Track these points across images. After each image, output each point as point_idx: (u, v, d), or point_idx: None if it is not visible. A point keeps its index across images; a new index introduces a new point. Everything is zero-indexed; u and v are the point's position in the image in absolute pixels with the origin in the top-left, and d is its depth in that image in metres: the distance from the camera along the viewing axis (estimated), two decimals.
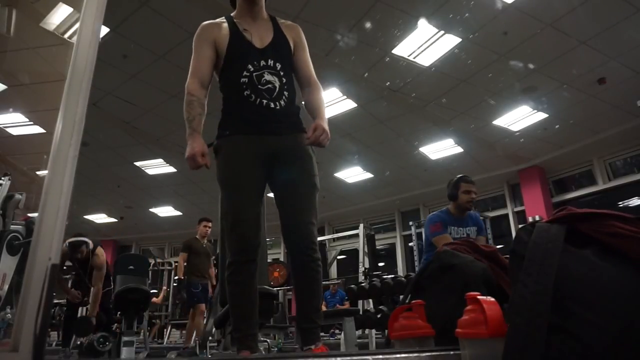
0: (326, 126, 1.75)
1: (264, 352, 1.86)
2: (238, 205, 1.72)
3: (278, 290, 9.77)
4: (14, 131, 6.48)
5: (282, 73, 1.81)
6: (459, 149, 7.93)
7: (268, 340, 4.49)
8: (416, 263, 8.09)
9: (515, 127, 7.12)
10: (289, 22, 1.96)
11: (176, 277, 8.23)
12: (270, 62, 1.80)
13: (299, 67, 1.91)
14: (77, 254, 4.22)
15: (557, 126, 7.04)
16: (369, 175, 9.02)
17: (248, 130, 1.75)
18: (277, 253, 11.61)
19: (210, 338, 4.23)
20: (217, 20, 1.89)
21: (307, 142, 1.73)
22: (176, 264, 11.35)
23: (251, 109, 1.75)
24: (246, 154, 1.73)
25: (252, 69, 1.77)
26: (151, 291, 5.55)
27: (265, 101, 1.75)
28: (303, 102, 1.91)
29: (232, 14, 1.92)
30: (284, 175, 1.77)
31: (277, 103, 1.77)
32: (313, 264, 1.75)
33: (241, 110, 1.77)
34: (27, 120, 6.25)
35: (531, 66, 5.74)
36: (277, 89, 1.78)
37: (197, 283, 5.25)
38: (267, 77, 1.77)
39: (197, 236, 5.64)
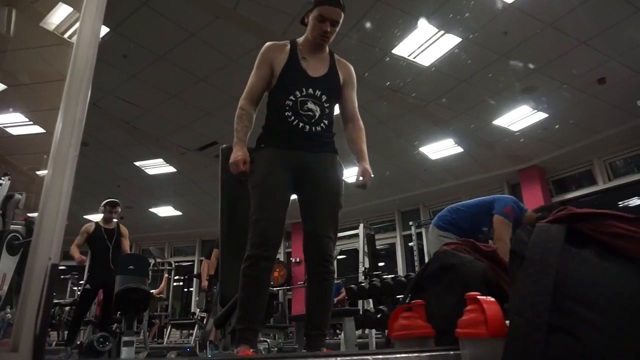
0: (369, 167, 1.98)
1: (263, 352, 1.86)
2: (264, 204, 1.82)
3: (278, 290, 9.77)
4: (14, 131, 6.48)
5: (325, 105, 1.95)
6: (459, 149, 7.93)
7: (268, 340, 4.49)
8: (416, 263, 8.09)
9: (515, 127, 7.12)
10: (344, 60, 2.11)
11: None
12: (317, 93, 1.93)
13: (345, 104, 2.09)
14: (113, 213, 4.72)
15: (557, 126, 7.04)
16: None
17: (282, 145, 1.89)
18: (277, 253, 11.59)
19: (210, 338, 4.23)
20: (282, 42, 2.02)
21: (357, 185, 1.94)
22: (176, 263, 11.39)
23: (288, 128, 1.88)
24: (277, 162, 1.86)
25: (298, 95, 1.90)
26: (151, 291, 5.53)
27: (302, 124, 1.88)
28: (346, 139, 2.10)
29: (298, 39, 2.04)
30: (312, 188, 1.90)
31: (314, 128, 1.91)
32: (327, 275, 1.87)
33: (279, 128, 1.91)
34: (27, 120, 6.25)
35: (531, 66, 5.73)
36: (317, 117, 1.92)
37: None
38: (310, 105, 1.91)
39: None
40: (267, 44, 2.01)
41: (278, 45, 2.00)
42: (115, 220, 4.83)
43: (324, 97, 1.94)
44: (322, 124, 1.93)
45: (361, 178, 1.96)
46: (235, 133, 1.89)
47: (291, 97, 1.89)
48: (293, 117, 1.87)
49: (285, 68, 1.93)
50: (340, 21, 1.97)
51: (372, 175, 1.96)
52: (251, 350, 1.68)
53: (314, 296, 1.88)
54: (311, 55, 1.99)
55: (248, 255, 1.78)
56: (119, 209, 4.86)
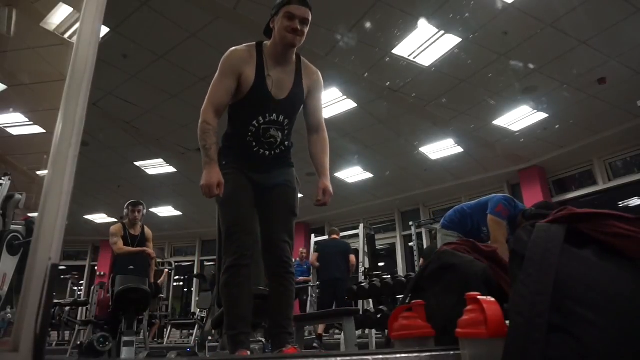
0: (329, 184, 1.96)
1: (259, 352, 1.89)
2: (237, 217, 1.89)
3: None
4: (14, 131, 6.49)
5: (286, 127, 1.96)
6: (459, 149, 7.93)
7: (263, 340, 4.49)
8: (416, 263, 8.09)
9: (515, 127, 7.12)
10: (313, 67, 2.04)
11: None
12: (281, 118, 1.92)
13: (310, 113, 2.04)
14: (137, 212, 4.64)
15: (557, 126, 7.04)
16: (369, 175, 9.02)
17: (242, 166, 1.93)
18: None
19: (209, 338, 4.23)
20: (248, 47, 1.93)
21: (317, 204, 1.94)
22: (176, 263, 11.38)
23: (249, 153, 1.92)
24: (241, 177, 1.92)
25: (262, 121, 1.90)
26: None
27: (262, 150, 1.93)
28: (309, 150, 2.06)
29: (265, 42, 1.96)
30: (268, 200, 1.96)
31: (273, 152, 1.95)
32: (287, 276, 1.91)
33: (240, 151, 1.94)
34: (27, 120, 6.25)
35: (531, 66, 5.73)
36: (278, 142, 1.94)
37: None
38: (272, 132, 1.91)
39: None
40: (232, 50, 1.91)
41: (244, 53, 1.90)
42: (140, 222, 4.73)
43: (286, 121, 1.94)
44: (282, 147, 1.96)
45: (321, 197, 1.94)
46: (203, 152, 1.82)
47: (254, 123, 1.88)
48: (255, 144, 1.90)
49: (252, 89, 1.87)
50: (309, 21, 1.88)
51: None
52: (247, 352, 1.76)
53: (276, 297, 1.91)
54: (277, 68, 1.91)
55: (228, 266, 1.83)
56: (142, 209, 4.72)
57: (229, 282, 1.82)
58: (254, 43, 1.96)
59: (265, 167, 1.96)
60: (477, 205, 3.30)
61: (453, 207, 3.50)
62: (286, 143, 1.98)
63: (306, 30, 1.88)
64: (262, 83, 1.88)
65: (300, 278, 7.02)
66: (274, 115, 1.90)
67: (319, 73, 2.04)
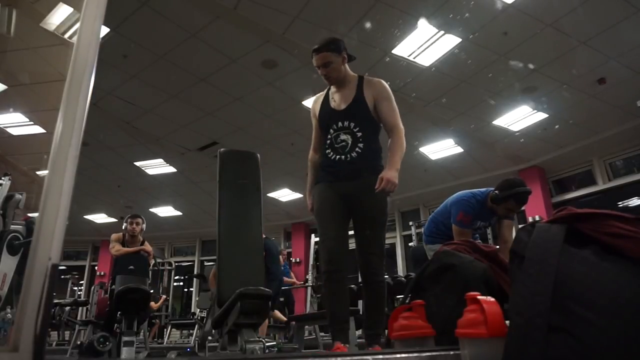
0: (392, 174, 2.17)
1: (259, 352, 1.90)
2: (323, 226, 2.20)
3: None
4: (14, 131, 6.48)
5: (355, 130, 2.24)
6: (459, 149, 7.92)
7: (263, 339, 4.48)
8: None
9: (515, 127, 7.12)
10: (374, 79, 2.38)
11: None
12: (346, 123, 2.25)
13: (382, 118, 2.33)
14: (135, 224, 4.66)
15: (557, 126, 7.03)
16: None
17: (328, 179, 2.25)
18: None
19: (209, 338, 4.23)
20: (323, 92, 2.42)
21: (376, 190, 2.14)
22: (176, 264, 11.39)
23: (329, 163, 2.26)
24: (329, 191, 2.23)
25: (332, 132, 2.26)
26: (151, 291, 5.52)
27: (338, 156, 2.23)
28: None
29: None
30: (358, 212, 2.23)
31: (349, 156, 2.22)
32: (375, 285, 2.19)
33: (324, 165, 2.30)
34: (27, 120, 6.24)
35: (531, 66, 5.73)
36: (350, 145, 2.23)
37: None
38: (342, 137, 2.24)
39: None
40: (312, 98, 2.46)
41: (318, 96, 2.41)
42: (139, 237, 4.68)
43: (352, 125, 2.23)
44: (355, 150, 2.21)
45: (377, 184, 2.16)
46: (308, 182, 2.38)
47: (329, 136, 2.26)
48: (332, 153, 2.24)
49: (319, 113, 2.33)
50: (331, 60, 2.23)
51: (396, 182, 2.19)
52: (344, 345, 2.03)
53: (367, 302, 2.23)
54: (338, 92, 2.32)
55: (322, 271, 2.18)
56: (140, 222, 4.68)
57: (324, 286, 2.17)
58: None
59: (347, 175, 2.20)
60: (444, 210, 3.31)
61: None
62: (360, 145, 2.21)
63: (332, 65, 2.25)
64: (326, 104, 2.32)
65: (287, 280, 6.92)
66: (340, 122, 2.24)
67: (382, 82, 2.37)
